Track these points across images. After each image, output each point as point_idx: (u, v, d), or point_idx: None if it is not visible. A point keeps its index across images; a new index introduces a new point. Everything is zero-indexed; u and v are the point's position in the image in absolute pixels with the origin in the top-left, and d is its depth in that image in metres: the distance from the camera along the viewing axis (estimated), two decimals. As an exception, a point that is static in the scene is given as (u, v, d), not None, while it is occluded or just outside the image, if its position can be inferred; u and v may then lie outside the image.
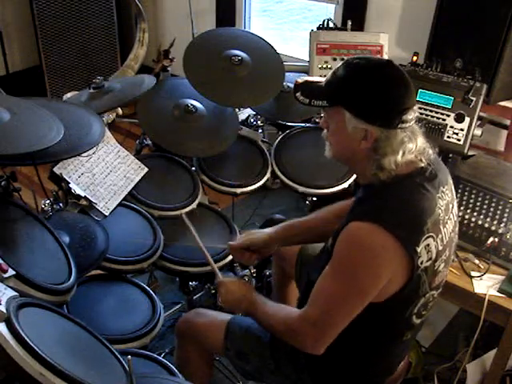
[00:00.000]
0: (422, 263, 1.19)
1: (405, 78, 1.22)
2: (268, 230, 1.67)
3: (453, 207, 1.33)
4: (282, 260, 1.89)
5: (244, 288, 1.48)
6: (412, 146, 1.22)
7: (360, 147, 1.23)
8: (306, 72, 2.49)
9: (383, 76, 1.22)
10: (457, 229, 1.37)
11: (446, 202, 1.28)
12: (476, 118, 1.91)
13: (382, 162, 1.21)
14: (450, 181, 1.36)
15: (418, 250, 1.17)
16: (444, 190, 1.28)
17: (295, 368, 1.45)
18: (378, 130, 1.20)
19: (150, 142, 2.28)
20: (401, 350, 1.42)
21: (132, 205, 1.92)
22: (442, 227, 1.25)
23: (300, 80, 1.32)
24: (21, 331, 0.98)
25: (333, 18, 2.65)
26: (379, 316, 1.26)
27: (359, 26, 3.02)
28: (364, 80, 1.21)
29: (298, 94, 1.30)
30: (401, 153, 1.21)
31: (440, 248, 1.24)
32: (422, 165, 1.25)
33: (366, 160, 1.25)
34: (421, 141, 1.25)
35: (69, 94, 1.98)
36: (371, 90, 1.20)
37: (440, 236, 1.24)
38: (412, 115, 1.21)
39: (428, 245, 1.20)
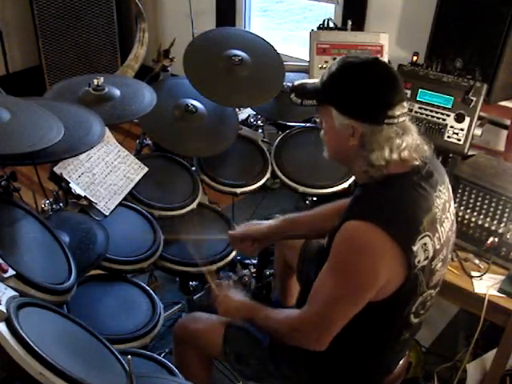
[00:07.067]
0: (418, 262, 1.19)
1: (391, 75, 1.23)
2: (268, 223, 1.69)
3: (450, 206, 1.33)
4: (285, 248, 1.86)
5: (240, 297, 1.49)
6: (400, 142, 1.22)
7: (349, 144, 1.25)
8: (306, 72, 2.49)
9: (367, 72, 1.23)
10: (454, 228, 1.37)
11: (443, 200, 1.28)
12: (476, 117, 1.91)
13: (371, 157, 1.22)
14: (447, 179, 1.36)
15: (414, 249, 1.17)
16: (441, 188, 1.28)
17: (295, 369, 1.45)
18: (363, 125, 1.21)
19: (150, 142, 2.29)
20: (399, 349, 1.42)
21: (132, 205, 1.92)
22: (439, 226, 1.25)
23: (297, 83, 1.36)
24: (21, 331, 0.98)
25: (333, 18, 2.65)
26: (377, 315, 1.26)
27: (359, 26, 3.02)
28: (348, 77, 1.23)
29: (292, 95, 1.34)
30: (388, 148, 1.21)
31: (437, 247, 1.24)
32: (418, 163, 1.25)
33: (357, 157, 1.26)
34: (413, 137, 1.25)
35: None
36: (354, 86, 1.21)
37: (437, 235, 1.24)
38: (400, 111, 1.21)
39: (425, 244, 1.20)
